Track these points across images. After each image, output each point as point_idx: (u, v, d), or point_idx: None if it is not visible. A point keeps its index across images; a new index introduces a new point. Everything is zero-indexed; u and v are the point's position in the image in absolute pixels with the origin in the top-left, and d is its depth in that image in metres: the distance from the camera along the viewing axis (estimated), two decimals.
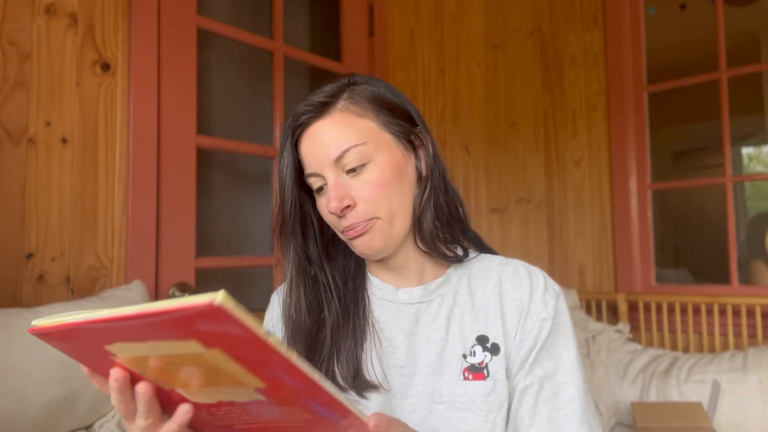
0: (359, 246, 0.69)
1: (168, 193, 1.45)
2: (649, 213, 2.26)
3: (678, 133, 4.78)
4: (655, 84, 2.29)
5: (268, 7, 1.80)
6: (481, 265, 0.75)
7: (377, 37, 2.10)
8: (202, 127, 1.63)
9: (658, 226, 2.37)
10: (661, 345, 2.12)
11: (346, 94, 0.70)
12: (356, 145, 0.67)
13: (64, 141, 1.27)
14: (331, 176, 0.68)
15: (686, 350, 2.07)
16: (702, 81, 2.24)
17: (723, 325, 2.00)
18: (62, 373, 0.99)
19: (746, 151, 5.03)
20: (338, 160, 0.67)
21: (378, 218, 0.68)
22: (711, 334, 2.02)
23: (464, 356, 0.69)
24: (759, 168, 5.09)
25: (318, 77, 2.10)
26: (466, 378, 0.68)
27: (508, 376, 0.69)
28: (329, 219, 0.70)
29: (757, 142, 4.84)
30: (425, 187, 0.72)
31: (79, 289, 1.27)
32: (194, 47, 1.53)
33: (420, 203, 0.72)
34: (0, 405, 0.90)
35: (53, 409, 0.97)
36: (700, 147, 4.97)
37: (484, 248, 0.79)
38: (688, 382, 1.74)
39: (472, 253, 0.77)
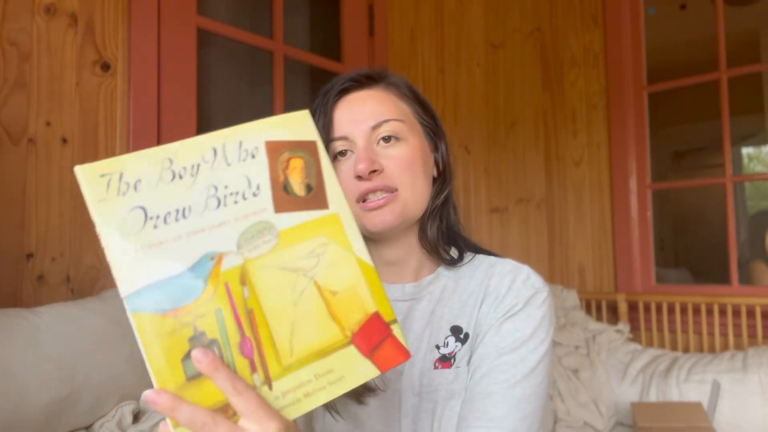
0: (375, 218, 0.68)
1: None
2: (649, 213, 2.26)
3: (678, 133, 4.78)
4: (655, 84, 2.29)
5: (268, 7, 1.80)
6: (472, 264, 0.76)
7: (377, 37, 2.10)
8: (202, 127, 1.63)
9: (658, 226, 2.37)
10: (661, 345, 2.12)
11: (388, 78, 0.74)
12: (396, 120, 0.70)
13: (64, 141, 1.27)
14: (362, 141, 0.69)
15: (686, 350, 2.07)
16: (702, 81, 2.24)
17: (723, 325, 2.00)
18: (62, 373, 0.99)
19: (746, 151, 5.03)
20: (375, 128, 0.69)
21: (401, 192, 0.68)
22: (711, 334, 2.02)
23: (437, 347, 0.70)
24: (759, 168, 5.09)
25: (318, 77, 2.10)
26: (435, 368, 0.69)
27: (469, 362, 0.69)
28: (349, 186, 0.68)
29: (757, 142, 4.84)
30: (440, 186, 0.75)
31: (79, 289, 1.27)
32: (194, 47, 1.53)
33: (434, 200, 0.74)
34: (0, 405, 0.90)
35: (53, 409, 0.97)
36: (700, 147, 4.97)
37: (480, 252, 0.79)
38: (688, 382, 1.74)
39: (468, 256, 0.77)
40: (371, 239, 0.72)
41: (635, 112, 2.29)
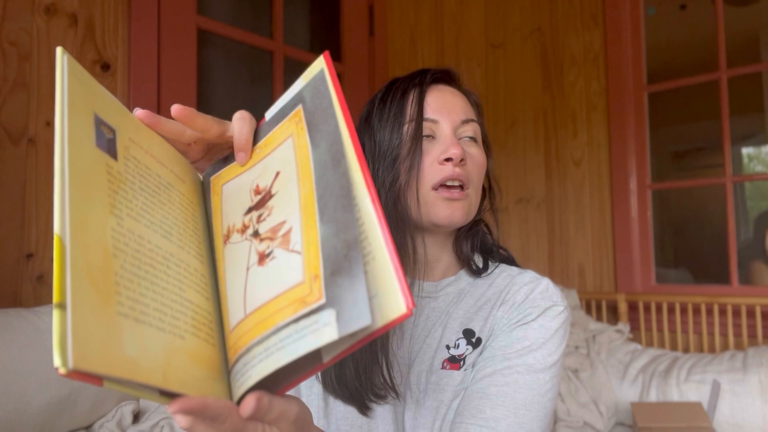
0: (446, 209, 0.67)
1: None
2: (649, 213, 2.26)
3: (678, 133, 4.78)
4: (655, 84, 2.29)
5: (268, 7, 1.80)
6: (494, 272, 0.76)
7: (377, 37, 2.10)
8: None
9: (658, 226, 2.37)
10: (661, 345, 2.12)
11: (463, 85, 0.77)
12: (478, 123, 0.74)
13: None
14: (449, 129, 0.69)
15: (686, 350, 2.07)
16: (702, 81, 2.24)
17: (723, 325, 2.00)
18: None
19: (746, 151, 5.03)
20: (464, 123, 0.71)
21: (469, 192, 0.69)
22: (711, 334, 2.02)
23: (447, 347, 0.70)
24: (759, 168, 5.09)
25: None
26: (443, 368, 0.69)
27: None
28: (432, 168, 0.67)
29: (757, 142, 4.84)
30: (486, 197, 0.77)
31: None
32: (194, 47, 1.53)
33: (479, 209, 0.75)
34: (0, 405, 0.90)
35: (53, 409, 0.97)
36: (700, 147, 4.97)
37: (505, 262, 0.79)
38: (688, 382, 1.74)
39: (491, 266, 0.77)
40: (420, 230, 0.71)
41: (635, 112, 2.29)
